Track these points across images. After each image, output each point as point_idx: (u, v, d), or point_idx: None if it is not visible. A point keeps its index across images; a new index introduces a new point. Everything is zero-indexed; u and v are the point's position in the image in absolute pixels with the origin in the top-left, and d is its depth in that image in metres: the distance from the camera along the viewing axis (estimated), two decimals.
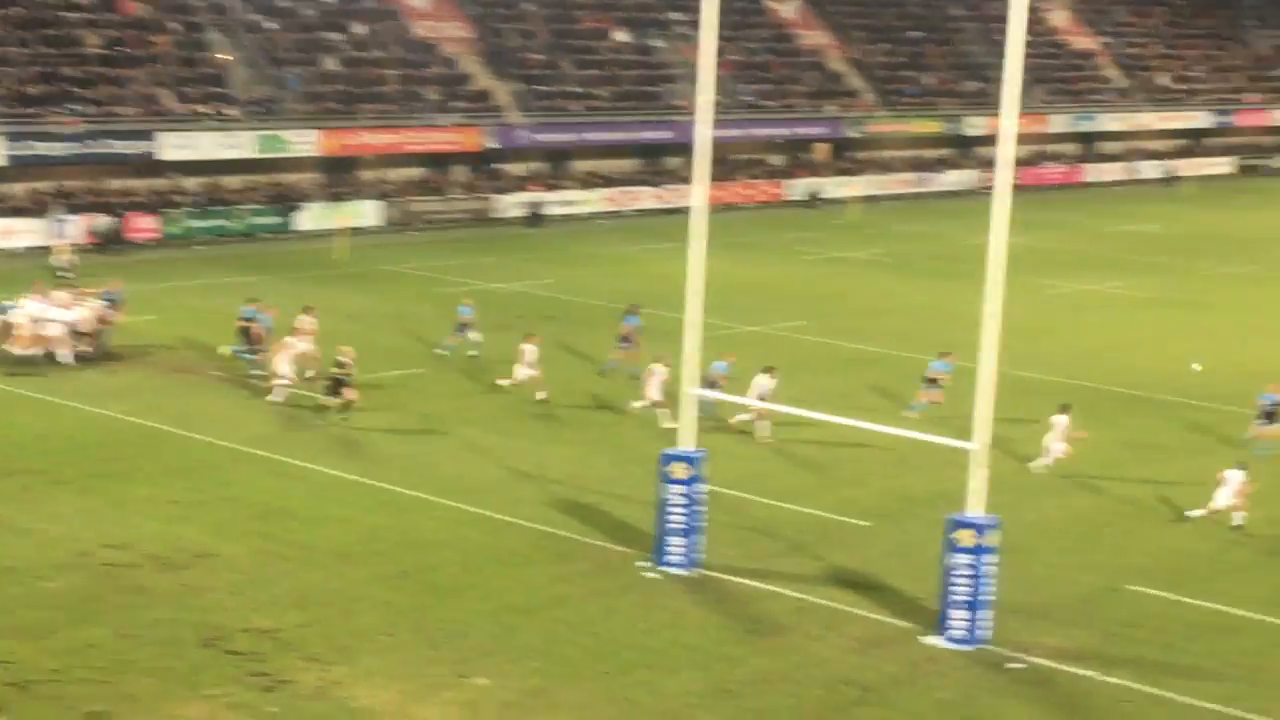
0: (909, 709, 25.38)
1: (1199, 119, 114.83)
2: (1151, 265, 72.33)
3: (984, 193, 28.06)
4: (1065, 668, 27.20)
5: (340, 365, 40.41)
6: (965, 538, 27.59)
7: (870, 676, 26.45)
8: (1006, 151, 27.20)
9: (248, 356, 44.45)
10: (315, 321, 44.79)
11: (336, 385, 40.36)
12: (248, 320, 45.16)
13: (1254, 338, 56.34)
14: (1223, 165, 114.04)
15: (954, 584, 27.73)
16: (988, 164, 29.06)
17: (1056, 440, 38.19)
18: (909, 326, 55.09)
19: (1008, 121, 27.19)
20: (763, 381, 40.03)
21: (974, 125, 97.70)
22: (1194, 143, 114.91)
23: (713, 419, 38.98)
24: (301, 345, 42.89)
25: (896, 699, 25.70)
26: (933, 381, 42.56)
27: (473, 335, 47.60)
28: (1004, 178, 27.24)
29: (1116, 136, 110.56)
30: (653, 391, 40.57)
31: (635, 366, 43.97)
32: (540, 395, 42.54)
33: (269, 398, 41.53)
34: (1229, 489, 34.85)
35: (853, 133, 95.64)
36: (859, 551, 32.51)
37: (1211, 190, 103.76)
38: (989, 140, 28.83)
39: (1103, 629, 29.08)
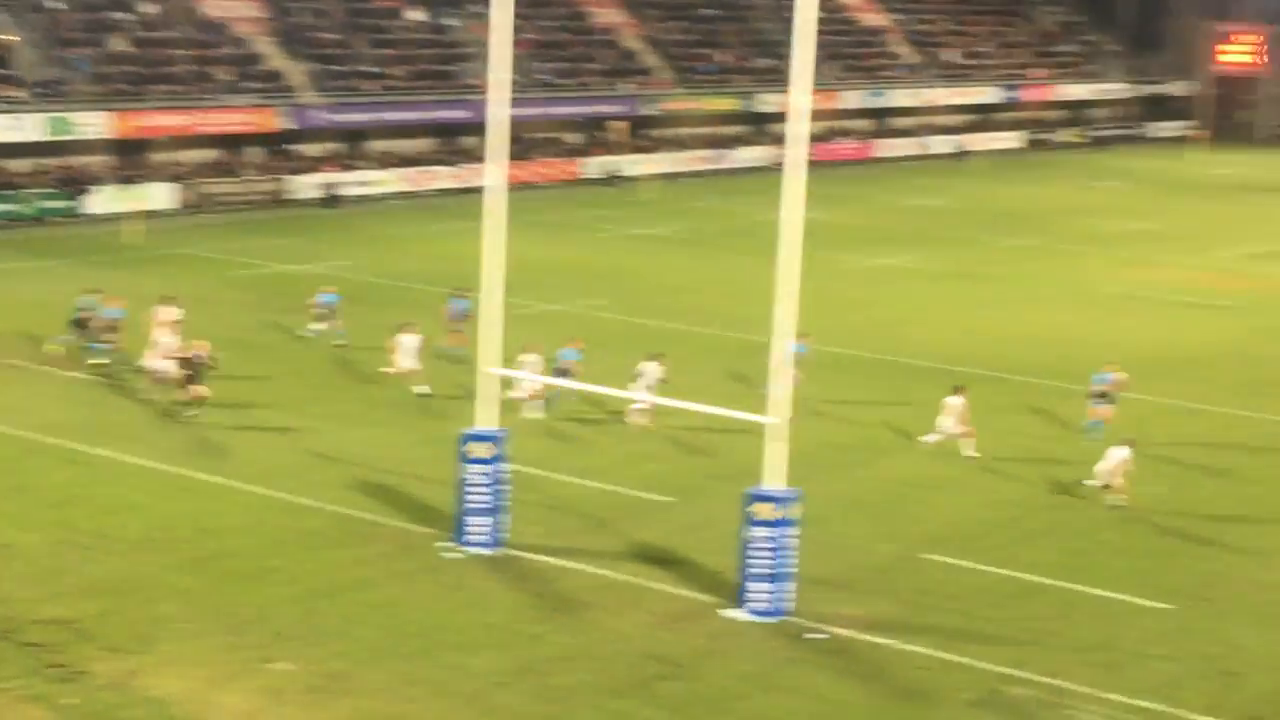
0: (711, 682, 25.62)
1: (987, 94, 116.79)
2: (943, 239, 73.50)
3: (779, 169, 28.28)
4: (865, 637, 27.61)
5: (192, 360, 39.28)
6: (764, 511, 27.88)
7: (673, 651, 26.65)
8: (799, 128, 27.48)
9: (97, 347, 43.19)
10: (178, 312, 43.20)
11: (188, 379, 39.26)
12: (86, 311, 43.99)
13: (1040, 308, 57.53)
14: (1011, 140, 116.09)
15: (754, 557, 28.01)
16: (782, 140, 29.29)
17: (949, 419, 38.23)
18: (708, 303, 55.47)
19: (799, 98, 27.47)
20: (650, 368, 39.77)
21: (768, 102, 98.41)
22: (983, 118, 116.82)
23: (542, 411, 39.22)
24: (167, 339, 41.42)
25: (699, 672, 25.92)
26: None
27: (330, 325, 46.73)
28: (797, 154, 27.52)
29: (907, 112, 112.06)
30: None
31: (466, 350, 43.44)
32: (421, 390, 41.68)
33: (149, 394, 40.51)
34: (1111, 464, 35.06)
35: (649, 111, 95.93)
36: (661, 527, 32.72)
37: (1000, 164, 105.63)
38: (783, 117, 29.09)
39: (901, 598, 29.57)
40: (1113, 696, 25.69)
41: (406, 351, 41.62)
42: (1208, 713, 25.31)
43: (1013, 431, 40.66)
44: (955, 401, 38.42)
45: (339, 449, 37.08)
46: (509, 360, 33.54)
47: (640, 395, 37.98)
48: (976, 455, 37.80)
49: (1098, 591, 30.21)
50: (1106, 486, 35.06)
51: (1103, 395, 40.28)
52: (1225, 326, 55.70)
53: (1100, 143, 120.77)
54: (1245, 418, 43.19)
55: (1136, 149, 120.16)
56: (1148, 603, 29.79)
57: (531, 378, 38.01)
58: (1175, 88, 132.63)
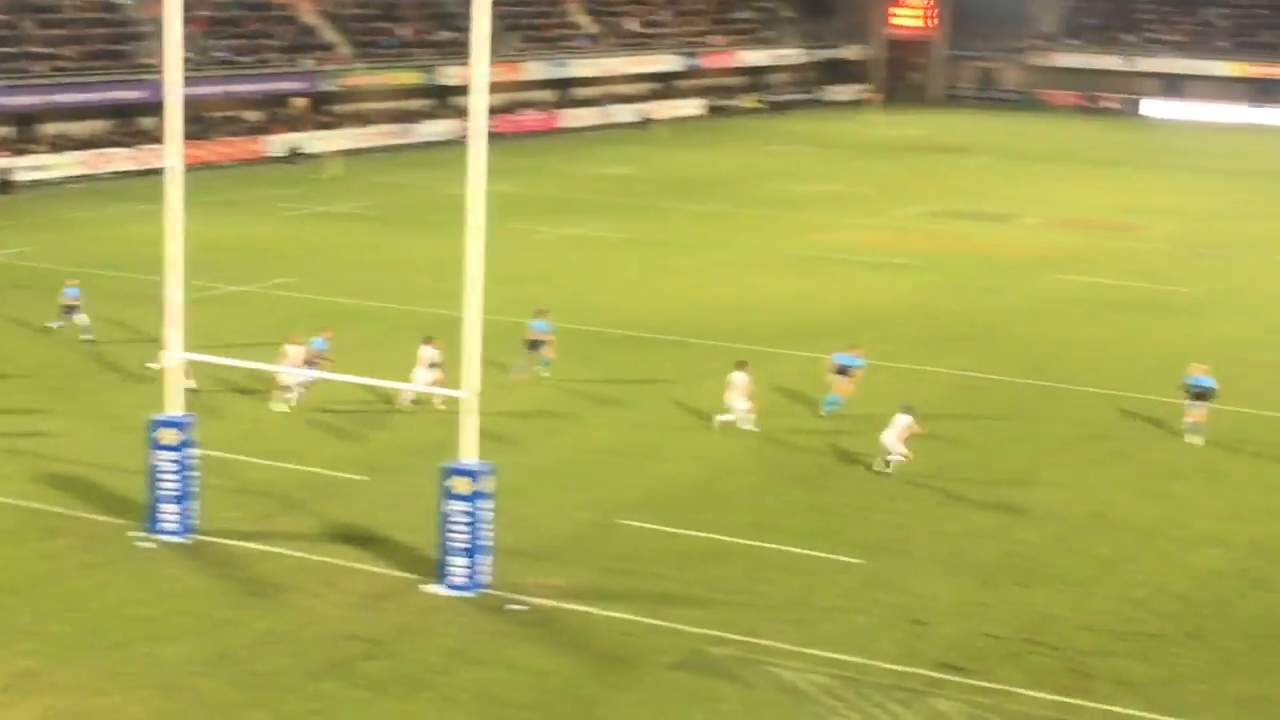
0: (415, 659, 25.52)
1: (668, 63, 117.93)
2: (629, 207, 74.07)
3: (464, 142, 28.24)
4: (566, 605, 27.76)
5: None
6: (460, 485, 27.84)
7: (374, 630, 26.50)
8: (480, 100, 27.43)
9: None
10: None
11: None
12: None
13: (727, 273, 58.34)
14: (693, 107, 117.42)
15: (452, 532, 27.97)
16: (466, 113, 29.25)
17: (736, 394, 38.12)
18: (397, 279, 55.11)
19: (479, 70, 27.42)
20: (428, 353, 38.90)
21: (450, 75, 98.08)
22: (665, 86, 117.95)
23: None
24: None
25: (402, 650, 25.81)
26: (535, 343, 42.23)
27: (79, 319, 45.08)
28: (479, 126, 27.47)
29: (590, 82, 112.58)
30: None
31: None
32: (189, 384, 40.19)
33: None
34: (894, 431, 35.19)
35: (330, 86, 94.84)
36: (357, 506, 32.47)
37: (682, 132, 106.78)
38: (466, 89, 29.00)
39: (600, 565, 29.80)
40: (809, 651, 26.23)
41: None
42: (899, 661, 25.99)
43: (701, 396, 41.17)
44: (739, 378, 38.29)
45: (25, 439, 36.00)
46: (275, 351, 32.80)
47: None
48: (756, 429, 37.99)
49: (791, 549, 30.80)
50: (889, 455, 35.22)
51: (842, 370, 40.17)
52: (906, 284, 57.12)
53: (779, 108, 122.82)
54: (929, 372, 44.37)
55: (814, 113, 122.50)
56: (839, 558, 30.47)
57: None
58: (849, 52, 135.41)
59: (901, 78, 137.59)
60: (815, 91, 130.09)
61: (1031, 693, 25.09)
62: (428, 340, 38.84)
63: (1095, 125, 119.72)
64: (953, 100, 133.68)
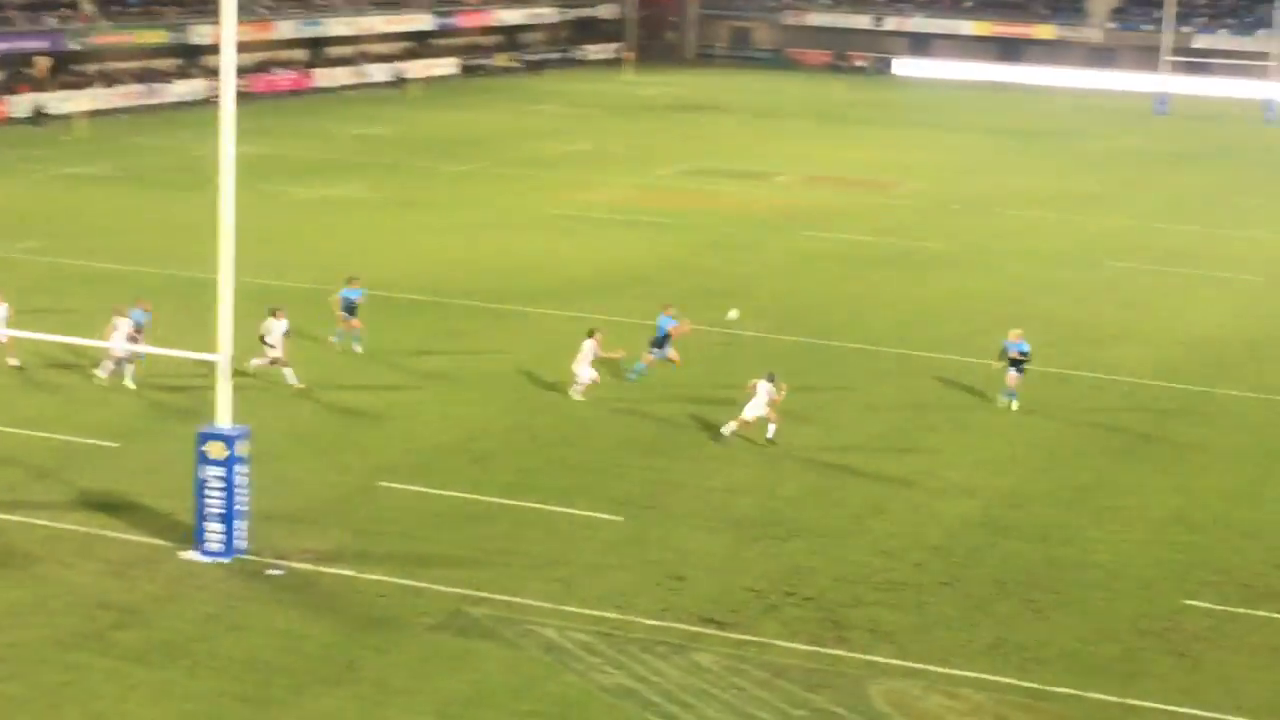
0: (170, 626, 25.16)
1: (423, 21, 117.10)
2: (385, 167, 73.51)
3: (215, 102, 27.79)
4: (325, 569, 27.56)
5: None
6: (215, 450, 27.46)
7: (128, 598, 26.06)
8: (230, 59, 27.01)
9: None
10: None
11: None
12: None
13: (485, 233, 58.21)
14: (448, 66, 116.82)
15: (207, 497, 27.58)
16: (216, 73, 28.78)
17: (583, 363, 37.41)
18: (149, 242, 54.11)
19: (228, 29, 26.99)
20: (274, 325, 37.49)
21: (201, 34, 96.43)
22: (419, 45, 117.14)
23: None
24: None
25: (157, 618, 25.42)
26: (352, 309, 40.84)
27: None
28: (229, 86, 27.07)
29: (345, 41, 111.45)
30: None
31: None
32: (13, 362, 38.78)
33: None
34: (759, 400, 34.79)
35: (75, 45, 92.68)
36: (109, 473, 31.87)
37: (439, 91, 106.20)
38: (216, 49, 28.54)
39: (358, 528, 29.61)
40: (570, 609, 26.35)
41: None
42: (659, 617, 26.23)
43: (460, 355, 41.09)
44: (588, 345, 37.41)
45: None
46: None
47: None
48: (581, 400, 37.51)
49: (551, 508, 30.88)
50: (750, 421, 34.80)
51: (663, 341, 39.19)
52: (663, 242, 57.47)
53: (534, 67, 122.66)
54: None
55: (570, 72, 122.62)
56: (599, 515, 30.63)
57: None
58: (604, 10, 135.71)
59: (658, 36, 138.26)
60: (570, 50, 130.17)
61: (789, 644, 25.47)
62: (274, 312, 37.83)
63: (847, 84, 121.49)
64: (706, 59, 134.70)
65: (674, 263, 53.87)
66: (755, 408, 34.86)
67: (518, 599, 26.70)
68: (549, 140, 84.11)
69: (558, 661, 24.57)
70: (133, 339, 36.87)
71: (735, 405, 36.24)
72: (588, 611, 26.31)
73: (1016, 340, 38.52)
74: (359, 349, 40.85)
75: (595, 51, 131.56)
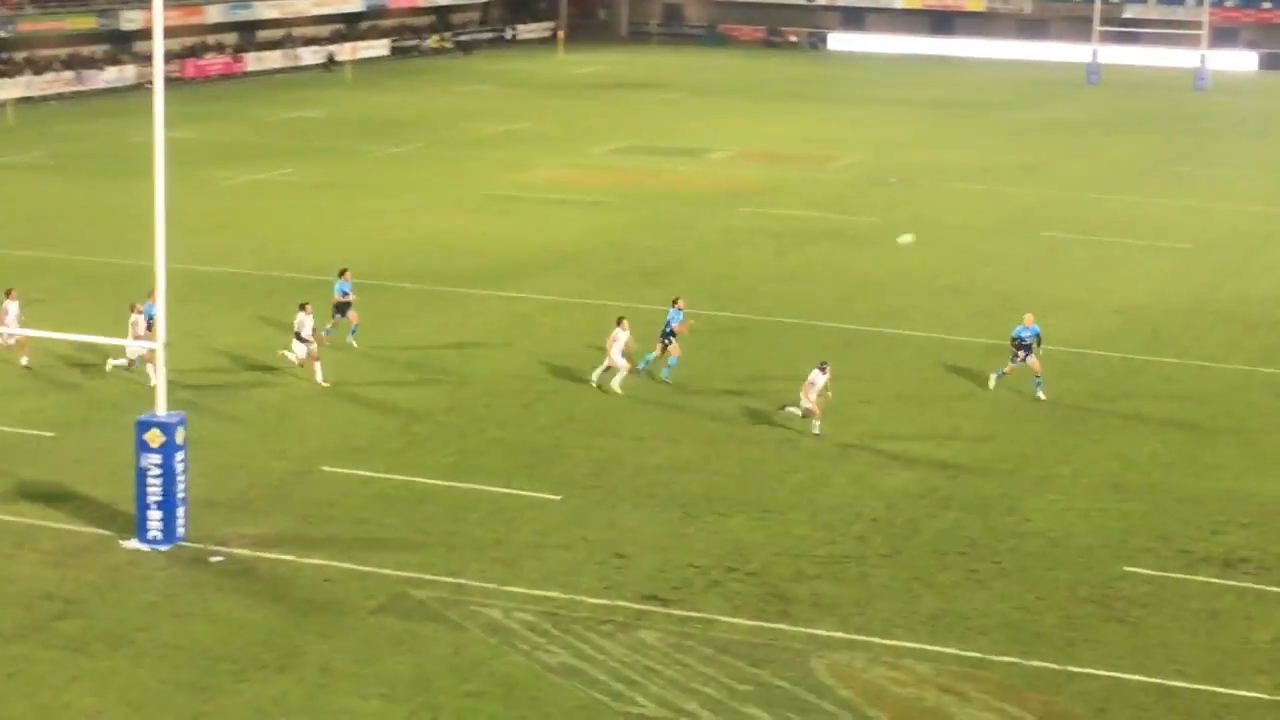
0: (113, 616, 25.06)
1: (354, 3, 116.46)
2: (319, 150, 73.13)
3: (147, 88, 27.64)
4: (265, 554, 27.50)
5: None
6: (154, 438, 27.34)
7: (70, 589, 25.94)
8: (160, 44, 26.86)
9: None
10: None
11: None
12: None
13: (422, 215, 58.05)
14: (379, 48, 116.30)
15: (147, 485, 27.47)
16: (147, 59, 28.57)
17: (615, 352, 36.60)
18: (81, 230, 53.75)
19: (158, 14, 26.84)
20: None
21: (131, 20, 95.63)
22: (350, 27, 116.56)
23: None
24: None
25: (99, 608, 25.31)
26: (343, 305, 39.90)
27: None
28: (160, 71, 26.92)
29: (276, 24, 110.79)
30: None
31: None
32: (24, 361, 38.11)
33: None
34: (814, 389, 34.11)
35: (2, 33, 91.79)
36: (46, 463, 31.68)
37: (371, 73, 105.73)
38: (147, 35, 28.37)
39: (299, 512, 29.55)
40: (513, 589, 26.37)
41: (10, 319, 37.83)
42: (603, 595, 26.28)
43: (398, 338, 41.02)
44: (621, 334, 36.69)
45: None
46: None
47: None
48: (620, 392, 36.75)
49: (492, 489, 30.89)
50: (808, 412, 34.35)
51: (671, 335, 37.80)
52: (599, 221, 57.43)
53: (466, 47, 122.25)
54: (624, 308, 44.65)
55: (503, 52, 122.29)
56: (540, 495, 30.65)
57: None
58: None
59: (591, 15, 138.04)
60: (503, 30, 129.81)
61: (733, 619, 25.57)
62: (304, 305, 37.35)
63: (780, 59, 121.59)
64: (640, 36, 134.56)
65: (611, 241, 53.85)
66: (813, 397, 34.18)
67: (461, 580, 26.71)
68: (483, 121, 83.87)
69: (503, 642, 24.59)
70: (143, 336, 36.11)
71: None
72: (531, 591, 26.34)
73: (1030, 325, 37.44)
74: (354, 343, 40.22)
75: (528, 31, 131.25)
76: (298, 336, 37.03)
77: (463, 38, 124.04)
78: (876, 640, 25.04)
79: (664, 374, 37.68)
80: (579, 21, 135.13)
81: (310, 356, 36.97)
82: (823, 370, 34.42)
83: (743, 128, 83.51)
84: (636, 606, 25.94)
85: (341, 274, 40.27)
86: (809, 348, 40.98)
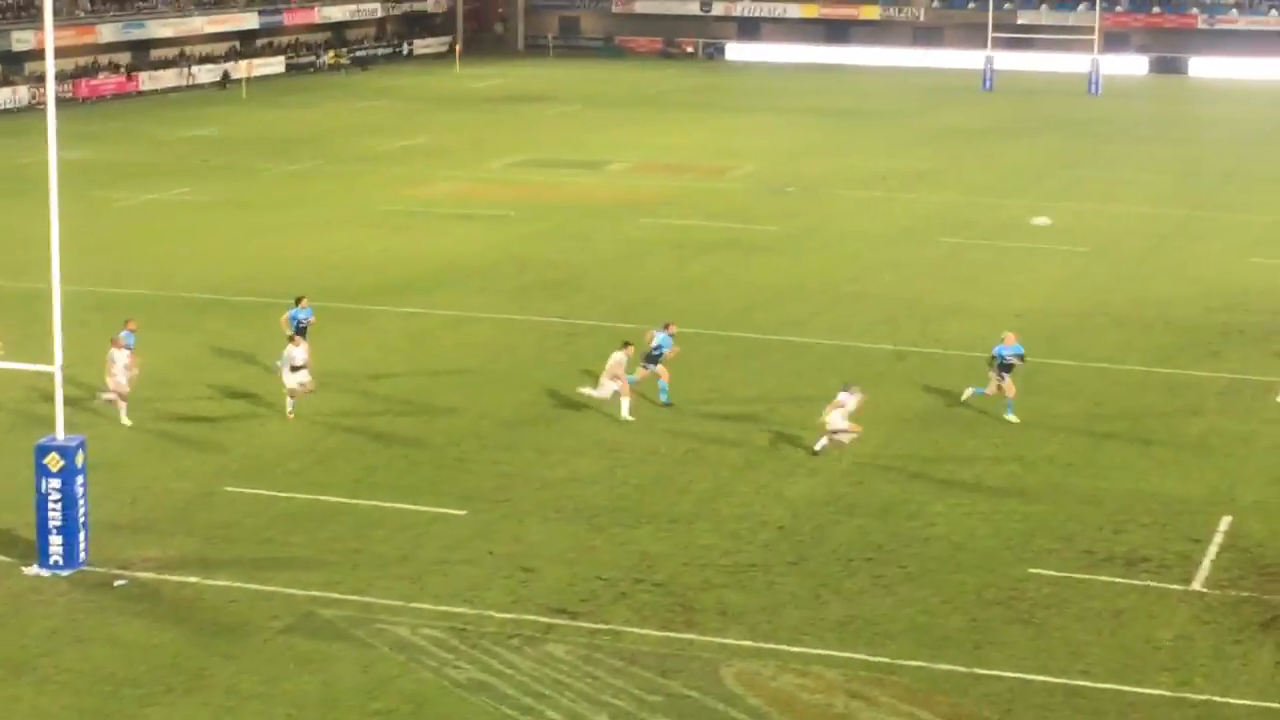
0: (13, 643, 24.79)
1: (248, 20, 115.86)
2: (216, 169, 72.67)
3: (38, 108, 27.40)
4: (170, 577, 27.28)
5: None
6: (53, 462, 27.07)
7: None
8: (51, 65, 26.65)
9: None
10: None
11: None
12: None
13: (321, 231, 57.76)
14: (275, 65, 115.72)
15: (48, 510, 27.18)
16: (39, 79, 28.34)
17: (606, 376, 36.07)
18: None
19: (49, 34, 26.63)
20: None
21: (22, 40, 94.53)
22: (245, 44, 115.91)
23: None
24: None
25: (0, 636, 25.04)
26: (303, 330, 38.74)
27: None
28: (51, 91, 26.71)
29: (170, 43, 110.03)
30: None
31: None
32: None
33: None
34: (843, 411, 33.49)
35: None
36: None
37: (267, 90, 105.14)
38: (38, 55, 28.15)
39: (203, 534, 29.32)
40: (420, 605, 26.29)
41: None
42: (510, 610, 26.24)
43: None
44: (619, 356, 36.14)
45: None
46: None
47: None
48: (632, 418, 36.03)
49: (396, 505, 30.78)
50: (838, 432, 33.59)
51: (657, 357, 37.15)
52: (498, 235, 57.35)
53: (362, 63, 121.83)
54: (525, 321, 44.70)
55: (399, 67, 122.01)
56: (445, 510, 30.57)
57: None
58: (431, 4, 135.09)
59: (487, 29, 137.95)
60: (398, 45, 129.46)
61: (641, 630, 25.59)
62: (293, 339, 36.76)
63: (677, 70, 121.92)
64: (536, 50, 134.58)
65: (512, 255, 53.78)
66: (838, 418, 33.55)
67: (368, 598, 26.60)
68: (381, 136, 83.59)
69: (410, 659, 24.51)
70: (126, 367, 35.59)
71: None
72: (438, 608, 26.27)
73: (1012, 344, 36.59)
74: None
75: (424, 46, 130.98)
76: (292, 369, 36.21)
77: (359, 53, 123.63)
78: (785, 648, 25.13)
79: (662, 398, 37.33)
80: (475, 36, 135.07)
81: (305, 386, 36.30)
82: (849, 391, 33.75)
83: (641, 139, 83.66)
84: (544, 620, 25.92)
85: (299, 301, 39.64)
86: (710, 357, 41.11)
